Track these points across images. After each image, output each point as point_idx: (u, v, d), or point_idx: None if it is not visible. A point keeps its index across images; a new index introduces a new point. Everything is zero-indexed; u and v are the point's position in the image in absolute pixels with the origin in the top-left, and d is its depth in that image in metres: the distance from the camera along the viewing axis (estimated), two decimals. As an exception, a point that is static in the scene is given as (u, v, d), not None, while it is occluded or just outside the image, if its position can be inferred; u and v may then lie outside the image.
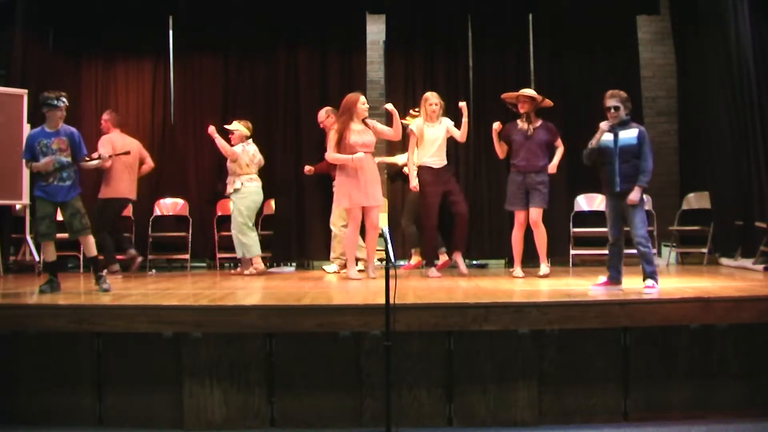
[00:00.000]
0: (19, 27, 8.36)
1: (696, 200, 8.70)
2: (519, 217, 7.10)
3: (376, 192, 7.06)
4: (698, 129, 8.62)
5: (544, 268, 7.08)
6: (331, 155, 7.04)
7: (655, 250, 8.50)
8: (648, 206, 8.66)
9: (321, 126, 8.05)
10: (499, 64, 8.85)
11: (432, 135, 7.25)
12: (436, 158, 7.25)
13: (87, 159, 6.32)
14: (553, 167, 7.06)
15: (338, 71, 8.89)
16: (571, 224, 8.45)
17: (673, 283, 6.44)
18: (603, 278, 5.83)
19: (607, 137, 5.72)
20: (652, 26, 9.32)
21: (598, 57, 8.84)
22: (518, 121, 7.13)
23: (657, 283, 5.55)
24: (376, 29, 9.19)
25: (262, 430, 5.02)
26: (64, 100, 6.02)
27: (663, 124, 9.36)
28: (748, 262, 7.51)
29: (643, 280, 5.61)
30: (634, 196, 5.60)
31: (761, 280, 6.46)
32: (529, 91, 7.17)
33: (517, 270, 7.21)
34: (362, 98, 7.14)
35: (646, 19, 9.18)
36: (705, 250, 8.34)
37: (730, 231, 8.01)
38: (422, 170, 7.31)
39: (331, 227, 7.97)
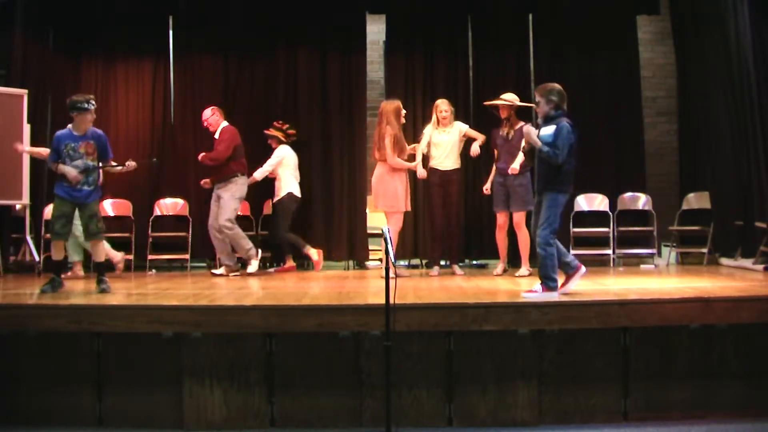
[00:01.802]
0: (19, 27, 8.35)
1: (696, 200, 8.69)
2: (499, 218, 7.41)
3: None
4: (698, 129, 8.61)
5: (523, 269, 7.26)
6: (398, 160, 7.21)
7: (655, 250, 8.54)
8: (648, 206, 8.68)
9: (205, 125, 7.93)
10: (499, 64, 8.86)
11: (441, 140, 7.46)
12: (444, 161, 7.46)
13: (112, 164, 6.29)
14: (513, 169, 7.16)
15: (338, 71, 8.89)
16: (571, 224, 8.44)
17: (673, 283, 6.44)
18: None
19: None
20: (652, 26, 9.31)
21: (598, 57, 8.85)
22: (501, 126, 7.42)
23: (547, 290, 5.27)
24: (376, 29, 9.18)
25: (262, 430, 5.02)
26: (93, 103, 6.01)
27: (663, 124, 9.35)
28: (748, 262, 7.50)
29: None
30: (515, 163, 5.82)
31: (761, 280, 6.46)
32: (508, 97, 7.36)
33: (498, 267, 7.52)
34: (400, 104, 7.38)
35: (646, 19, 9.17)
36: (705, 250, 8.33)
37: (730, 231, 8.01)
38: (430, 172, 7.55)
39: (223, 230, 7.64)
